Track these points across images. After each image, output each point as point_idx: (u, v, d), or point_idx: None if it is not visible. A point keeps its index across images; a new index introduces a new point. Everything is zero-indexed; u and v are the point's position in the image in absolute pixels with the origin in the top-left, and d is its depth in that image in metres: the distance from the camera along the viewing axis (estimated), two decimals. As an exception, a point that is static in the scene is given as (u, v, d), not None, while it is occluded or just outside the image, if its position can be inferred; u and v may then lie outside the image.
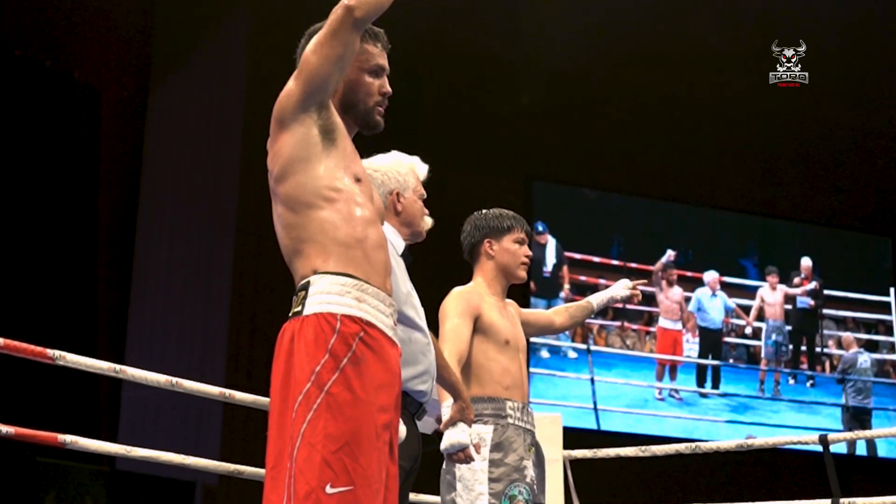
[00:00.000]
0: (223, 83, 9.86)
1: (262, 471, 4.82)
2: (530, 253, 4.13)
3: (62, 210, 9.24)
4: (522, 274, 4.10)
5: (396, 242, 3.52)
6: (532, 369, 10.10)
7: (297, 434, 2.49)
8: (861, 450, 11.46)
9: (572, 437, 5.97)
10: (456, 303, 3.88)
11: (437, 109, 10.23)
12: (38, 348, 4.03)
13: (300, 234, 2.65)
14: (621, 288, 4.47)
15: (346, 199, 2.66)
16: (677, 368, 10.96)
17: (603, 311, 10.59)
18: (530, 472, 3.79)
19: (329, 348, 2.54)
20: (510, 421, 3.82)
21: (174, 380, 4.38)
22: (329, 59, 2.64)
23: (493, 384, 3.87)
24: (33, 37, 9.32)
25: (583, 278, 10.77)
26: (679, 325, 10.95)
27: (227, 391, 4.68)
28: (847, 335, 11.68)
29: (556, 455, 5.51)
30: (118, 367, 4.32)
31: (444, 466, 3.78)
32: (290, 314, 2.61)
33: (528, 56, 10.36)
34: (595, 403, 10.50)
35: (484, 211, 4.13)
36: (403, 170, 3.63)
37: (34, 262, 8.95)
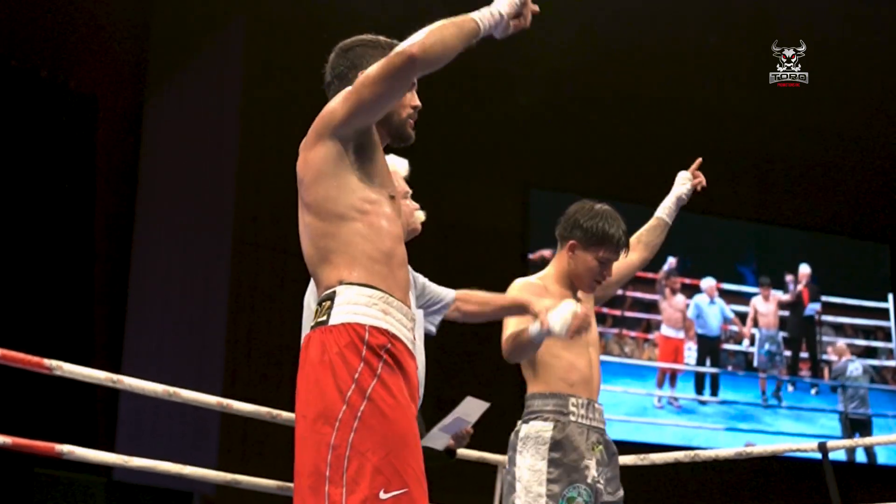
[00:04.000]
0: (219, 91, 9.85)
1: (259, 480, 4.80)
2: (610, 276, 3.92)
3: (58, 219, 9.23)
4: (589, 290, 3.93)
5: None
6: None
7: (345, 444, 2.51)
8: (860, 457, 11.45)
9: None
10: (518, 294, 3.76)
11: (434, 117, 10.21)
12: (35, 358, 4.02)
13: (328, 244, 2.66)
14: (682, 184, 4.22)
15: (378, 213, 2.67)
16: (677, 376, 10.95)
17: (601, 319, 10.61)
18: (592, 472, 3.66)
19: (363, 357, 2.55)
20: (572, 418, 3.71)
21: (171, 389, 4.37)
22: (381, 99, 2.65)
23: (557, 381, 3.75)
24: (29, 46, 9.32)
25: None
26: (681, 334, 10.93)
27: (225, 401, 4.66)
28: (840, 343, 11.67)
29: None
30: (115, 376, 4.30)
31: (505, 468, 3.74)
32: (314, 323, 2.62)
33: (524, 63, 10.36)
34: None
35: (596, 207, 3.94)
36: None
37: (31, 271, 8.94)
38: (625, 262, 4.03)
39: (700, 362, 11.10)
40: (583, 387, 3.77)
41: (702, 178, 4.23)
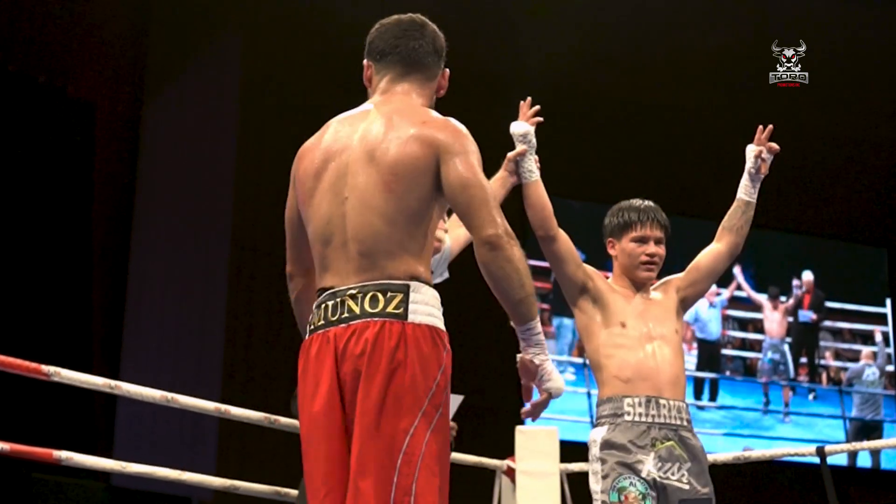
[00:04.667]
0: (217, 97, 9.85)
1: (256, 486, 4.80)
2: (653, 251, 3.85)
3: (56, 225, 9.23)
4: (644, 275, 3.84)
5: None
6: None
7: (418, 454, 2.47)
8: (864, 461, 11.44)
9: (569, 449, 5.95)
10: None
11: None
12: (33, 364, 4.02)
13: (404, 238, 2.60)
14: (749, 159, 4.15)
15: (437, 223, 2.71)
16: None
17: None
18: (647, 468, 3.56)
19: (442, 366, 2.54)
20: (627, 418, 3.62)
21: (169, 395, 4.37)
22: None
23: (612, 379, 3.69)
24: (27, 52, 9.31)
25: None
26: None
27: (223, 406, 4.66)
28: (866, 350, 11.66)
29: (552, 468, 5.49)
30: (113, 382, 4.30)
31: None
32: (383, 312, 2.54)
33: (518, 68, 10.36)
34: (592, 417, 10.48)
35: (619, 204, 3.94)
36: None
37: (28, 277, 8.94)
38: (711, 253, 4.00)
39: (701, 368, 11.10)
40: (642, 383, 3.66)
41: (772, 146, 4.14)
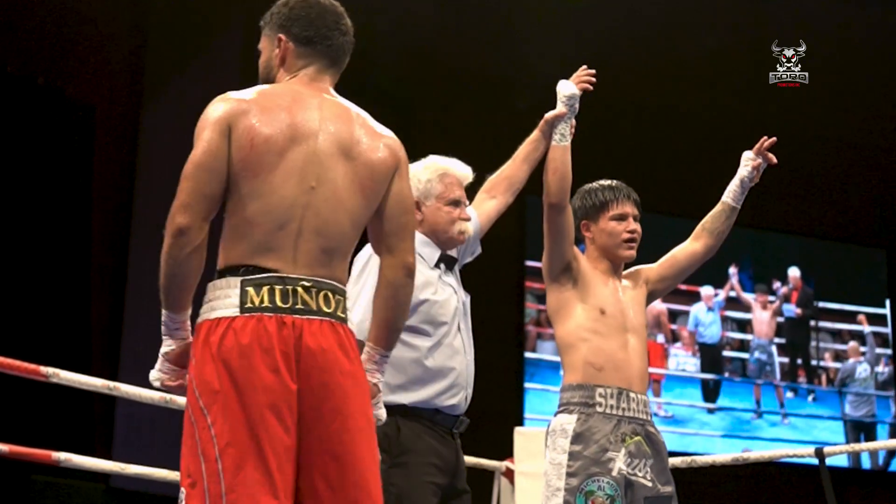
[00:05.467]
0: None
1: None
2: (634, 227, 3.75)
3: (55, 227, 9.23)
4: (627, 253, 3.74)
5: (426, 252, 3.53)
6: (526, 384, 10.08)
7: (377, 467, 2.54)
8: (866, 462, 11.44)
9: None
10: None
11: (429, 126, 10.23)
12: (32, 366, 4.02)
13: (353, 244, 2.63)
14: (744, 165, 4.01)
15: None
16: (661, 383, 10.90)
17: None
18: (619, 465, 3.45)
19: None
20: (598, 409, 3.50)
21: (168, 396, 4.36)
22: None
23: (583, 364, 3.56)
24: (26, 53, 9.31)
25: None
26: (661, 338, 10.93)
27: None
28: (852, 344, 11.66)
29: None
30: (112, 384, 4.30)
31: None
32: (335, 314, 2.53)
33: (519, 69, 10.36)
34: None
35: (586, 186, 3.83)
36: (426, 176, 3.62)
37: (27, 279, 8.93)
38: (686, 251, 3.90)
39: (704, 371, 11.09)
40: (614, 373, 3.55)
41: (771, 158, 4.03)
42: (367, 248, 3.36)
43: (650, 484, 3.52)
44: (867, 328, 11.79)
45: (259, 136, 2.56)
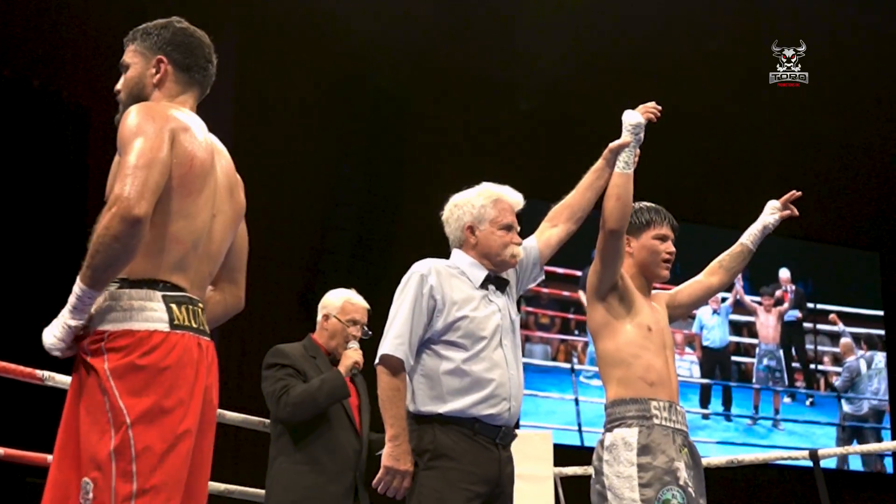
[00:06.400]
0: (211, 101, 9.82)
1: (252, 490, 4.80)
2: (672, 249, 3.89)
3: (50, 230, 9.22)
4: (663, 272, 3.87)
5: (473, 273, 3.60)
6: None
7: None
8: (867, 464, 11.44)
9: (560, 453, 5.96)
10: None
11: (429, 130, 10.22)
12: (28, 369, 4.02)
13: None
14: (770, 213, 4.22)
15: None
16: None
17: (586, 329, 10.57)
18: (683, 475, 3.52)
19: None
20: (656, 422, 3.58)
21: (164, 399, 4.36)
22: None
23: (637, 380, 3.64)
24: (21, 56, 9.31)
25: (566, 293, 10.78)
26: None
27: (218, 411, 4.66)
28: (846, 341, 11.66)
29: (546, 472, 5.50)
30: (107, 387, 4.29)
31: (593, 477, 3.64)
32: (208, 331, 2.67)
33: (519, 70, 10.37)
34: (579, 424, 10.46)
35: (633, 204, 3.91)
36: (480, 202, 3.71)
37: (23, 282, 8.92)
38: (703, 285, 4.07)
39: (707, 375, 11.10)
40: (662, 388, 3.65)
41: (793, 210, 4.25)
42: (415, 266, 3.53)
43: (694, 495, 3.58)
44: (862, 330, 11.80)
45: (196, 157, 2.63)
